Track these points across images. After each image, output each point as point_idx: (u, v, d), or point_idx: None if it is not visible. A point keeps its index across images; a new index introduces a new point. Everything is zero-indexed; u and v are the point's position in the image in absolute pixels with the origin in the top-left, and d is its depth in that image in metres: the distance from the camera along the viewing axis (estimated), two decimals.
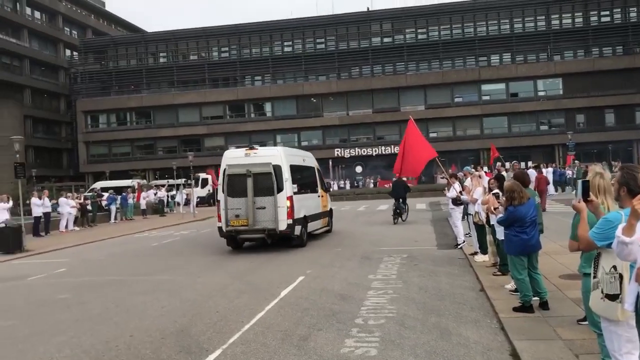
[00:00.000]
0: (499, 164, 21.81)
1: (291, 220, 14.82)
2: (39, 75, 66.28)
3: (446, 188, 14.81)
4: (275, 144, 59.43)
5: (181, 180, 38.97)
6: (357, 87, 58.07)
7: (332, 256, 13.56)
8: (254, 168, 14.79)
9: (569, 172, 36.38)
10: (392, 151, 53.66)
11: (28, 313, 9.08)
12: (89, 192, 37.21)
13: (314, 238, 17.43)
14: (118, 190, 35.48)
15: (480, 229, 11.35)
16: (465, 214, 13.61)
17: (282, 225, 14.77)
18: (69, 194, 27.56)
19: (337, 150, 57.30)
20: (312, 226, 16.87)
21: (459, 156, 52.54)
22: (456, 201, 13.64)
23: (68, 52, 70.33)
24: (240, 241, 15.67)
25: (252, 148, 15.92)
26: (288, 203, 14.77)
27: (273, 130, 59.46)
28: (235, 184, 14.93)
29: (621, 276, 3.75)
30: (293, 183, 15.34)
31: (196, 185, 40.75)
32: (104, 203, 31.47)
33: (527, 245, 7.38)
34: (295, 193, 15.32)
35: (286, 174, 15.02)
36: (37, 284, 12.13)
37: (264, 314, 8.09)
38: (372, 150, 56.79)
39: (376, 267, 11.57)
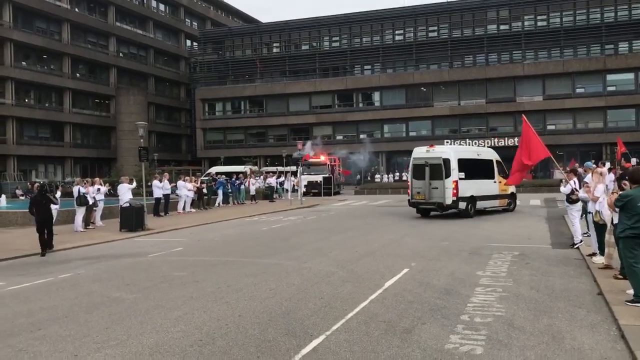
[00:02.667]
0: (623, 159, 20.53)
1: (455, 197, 20.61)
2: (162, 64, 70.59)
3: (562, 182, 14.03)
4: (382, 134, 59.35)
5: (290, 168, 39.92)
6: (470, 76, 56.31)
7: (439, 250, 13.31)
8: (430, 160, 21.00)
9: None
10: (506, 143, 51.63)
11: (149, 288, 9.73)
12: (205, 176, 39.22)
13: (426, 231, 17.20)
14: (230, 175, 37.11)
15: (600, 228, 10.63)
16: (584, 212, 12.80)
17: (448, 201, 20.80)
18: (186, 178, 29.15)
19: (447, 142, 55.92)
20: (483, 204, 22.37)
21: (578, 150, 49.52)
22: (570, 198, 12.87)
23: (188, 42, 74.22)
24: (421, 211, 22.17)
25: (431, 146, 22.51)
26: (453, 185, 20.56)
27: (381, 120, 59.25)
28: (418, 171, 21.51)
29: None
30: (461, 171, 20.86)
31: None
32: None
33: None
34: (462, 179, 20.79)
35: (453, 165, 20.72)
36: (156, 260, 12.97)
37: (367, 303, 8.11)
38: (484, 142, 54.84)
39: (485, 264, 11.21)
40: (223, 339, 6.57)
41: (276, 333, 6.75)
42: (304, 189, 38.92)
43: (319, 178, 41.85)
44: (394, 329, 6.81)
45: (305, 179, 39.98)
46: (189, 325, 7.22)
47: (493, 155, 23.96)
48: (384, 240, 15.44)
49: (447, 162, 20.87)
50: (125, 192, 21.43)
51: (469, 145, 55.04)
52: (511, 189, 23.68)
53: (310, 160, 42.44)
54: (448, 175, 20.72)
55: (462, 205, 21.05)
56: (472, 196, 21.32)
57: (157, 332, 6.94)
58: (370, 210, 27.58)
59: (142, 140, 21.43)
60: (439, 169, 20.78)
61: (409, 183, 22.21)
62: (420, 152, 22.12)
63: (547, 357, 5.78)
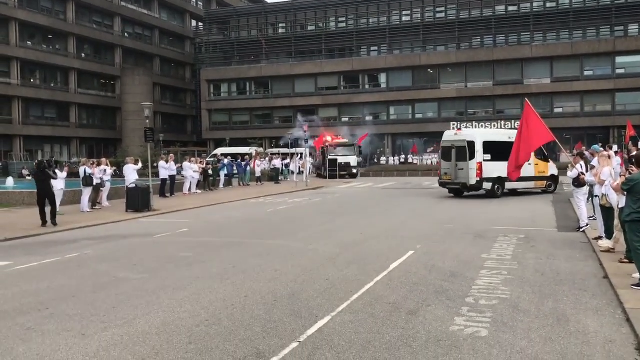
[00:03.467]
0: (630, 143, 20.48)
1: (479, 178, 21.66)
2: (167, 45, 70.30)
3: (569, 167, 13.98)
4: (388, 116, 59.14)
5: (295, 150, 39.86)
6: (478, 58, 55.83)
7: (444, 232, 13.32)
8: (456, 143, 22.18)
9: None
10: (513, 126, 51.12)
11: (155, 268, 9.79)
12: (210, 157, 39.24)
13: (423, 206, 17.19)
14: (235, 157, 37.15)
15: (607, 212, 10.60)
16: (591, 195, 12.75)
17: (472, 181, 21.81)
18: (192, 159, 29.18)
19: (453, 124, 55.57)
20: (514, 185, 22.47)
21: (585, 133, 49.23)
22: (577, 181, 12.83)
23: (194, 22, 73.77)
24: (453, 191, 23.32)
25: (459, 129, 25.44)
26: (477, 166, 21.56)
27: (387, 102, 58.99)
28: (446, 153, 22.70)
29: None
30: (487, 153, 21.59)
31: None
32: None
33: None
34: (487, 160, 21.59)
35: (478, 147, 21.62)
36: (162, 241, 13.03)
37: (372, 285, 8.14)
38: (491, 124, 54.49)
39: (490, 247, 11.21)
40: (229, 319, 6.61)
41: (282, 314, 6.79)
42: (334, 172, 38.89)
43: (349, 159, 40.92)
44: (399, 311, 6.84)
45: (335, 161, 39.46)
46: (195, 305, 7.27)
47: None
48: (389, 222, 15.45)
49: (471, 144, 21.84)
50: (130, 172, 21.48)
51: (475, 128, 55.01)
52: (552, 170, 24.31)
53: (339, 141, 41.73)
54: (472, 157, 21.70)
55: (488, 185, 21.92)
56: (499, 177, 21.58)
57: (164, 312, 6.99)
58: (376, 192, 27.57)
59: (147, 121, 21.45)
60: (464, 151, 21.78)
61: (439, 164, 24.05)
62: (448, 135, 23.52)
63: (552, 339, 5.80)
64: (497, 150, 21.59)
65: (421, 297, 7.47)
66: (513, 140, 22.22)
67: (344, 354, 5.48)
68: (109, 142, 62.64)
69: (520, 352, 5.47)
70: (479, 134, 23.47)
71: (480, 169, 21.70)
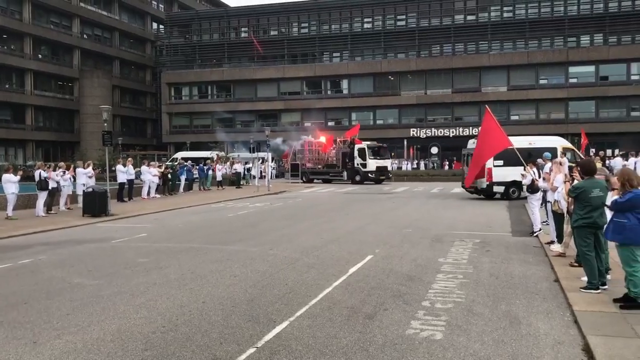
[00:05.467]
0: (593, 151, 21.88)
1: (489, 182, 23.24)
2: (127, 47, 69.22)
3: (522, 174, 14.38)
4: (350, 122, 59.46)
5: (257, 154, 39.69)
6: (437, 65, 56.81)
7: (403, 237, 13.50)
8: (470, 151, 22.23)
9: None
10: (471, 132, 52.23)
11: (112, 274, 9.63)
12: (170, 161, 38.80)
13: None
14: (197, 161, 36.82)
15: (558, 217, 10.94)
16: (544, 201, 13.14)
17: (482, 185, 23.38)
18: (152, 163, 28.76)
19: (413, 130, 56.50)
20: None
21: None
22: (531, 188, 13.20)
23: (155, 25, 72.87)
24: (477, 192, 24.68)
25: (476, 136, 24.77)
26: (486, 172, 22.21)
27: (349, 107, 59.41)
28: (467, 160, 23.38)
29: None
30: (500, 159, 21.60)
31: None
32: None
33: None
34: (498, 166, 22.51)
35: None
36: (119, 246, 12.82)
37: (331, 289, 8.20)
38: (449, 131, 55.55)
39: (447, 251, 11.42)
40: (186, 326, 6.57)
41: (239, 319, 6.78)
42: (372, 175, 37.68)
43: (387, 163, 40.00)
44: (357, 315, 6.91)
45: (374, 164, 38.05)
46: (152, 311, 7.19)
47: (557, 143, 24.14)
48: (349, 227, 15.57)
49: None
50: (80, 176, 21.15)
51: (434, 134, 55.82)
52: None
53: (376, 143, 40.41)
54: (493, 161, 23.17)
55: (499, 189, 23.46)
56: (513, 181, 22.49)
57: (120, 319, 6.89)
58: (337, 197, 27.72)
59: (106, 124, 21.12)
60: None
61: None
62: (470, 143, 24.85)
63: (504, 342, 5.96)
64: (512, 156, 22.05)
65: (379, 301, 7.57)
66: (533, 146, 23.05)
67: (301, 359, 5.51)
68: (66, 145, 61.20)
69: (474, 354, 5.60)
70: None
71: (490, 174, 22.94)
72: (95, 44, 64.42)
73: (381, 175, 38.48)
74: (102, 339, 6.16)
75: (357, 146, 38.79)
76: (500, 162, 22.50)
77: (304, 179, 41.43)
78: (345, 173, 39.52)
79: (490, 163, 22.28)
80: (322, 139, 42.59)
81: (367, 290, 8.14)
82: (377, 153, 38.99)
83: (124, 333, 6.33)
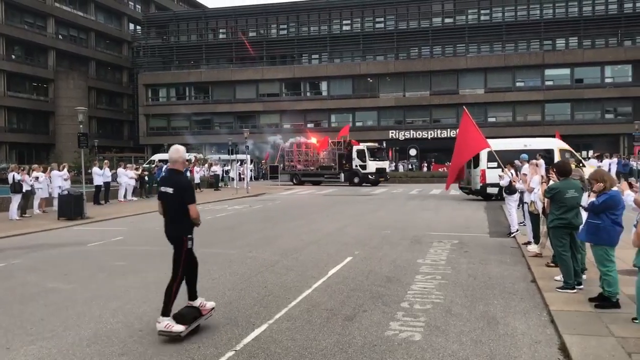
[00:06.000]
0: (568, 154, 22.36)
1: (482, 183, 23.96)
2: (103, 48, 68.40)
3: (500, 175, 14.53)
4: (329, 124, 59.55)
5: (236, 156, 39.45)
6: (415, 68, 57.18)
7: (382, 238, 13.53)
8: None
9: (633, 163, 34.85)
10: (449, 135, 52.81)
11: (88, 278, 9.49)
12: (147, 164, 38.41)
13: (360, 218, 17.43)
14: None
15: (535, 218, 11.07)
16: (521, 202, 13.28)
17: (477, 186, 24.20)
18: (128, 165, 28.44)
19: (392, 132, 56.80)
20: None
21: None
22: (508, 189, 13.33)
23: (132, 26, 72.14)
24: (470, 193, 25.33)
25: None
26: (480, 173, 23.88)
27: (328, 109, 59.46)
28: (469, 162, 23.14)
29: None
30: (494, 161, 21.06)
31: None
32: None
33: (619, 235, 7.03)
34: (492, 167, 22.30)
35: (482, 156, 23.08)
36: (96, 250, 12.64)
37: (310, 291, 8.18)
38: (427, 133, 55.97)
39: (425, 252, 11.48)
40: None
41: (218, 322, 6.73)
42: (373, 177, 37.34)
43: (385, 164, 39.78)
44: (336, 317, 6.90)
45: (374, 165, 37.65)
46: (129, 315, 7.10)
47: (553, 145, 24.98)
48: (328, 229, 15.56)
49: (478, 154, 23.35)
50: (55, 179, 20.83)
51: (413, 136, 56.16)
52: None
53: (375, 145, 40.10)
54: (477, 165, 23.82)
55: (493, 190, 23.60)
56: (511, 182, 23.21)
57: (96, 323, 6.79)
58: (316, 199, 27.71)
59: (81, 126, 20.82)
60: (474, 160, 23.47)
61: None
62: None
63: (482, 342, 6.00)
64: (505, 158, 22.36)
65: (358, 302, 7.57)
66: (529, 147, 23.51)
67: None
68: (41, 148, 60.24)
69: (452, 355, 5.63)
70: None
71: (483, 175, 23.81)
72: (71, 45, 63.55)
73: (380, 177, 38.21)
74: (77, 344, 6.06)
75: (355, 147, 38.34)
76: (494, 164, 22.59)
77: (294, 181, 40.96)
78: (342, 175, 38.95)
79: (484, 165, 23.41)
80: (314, 140, 41.94)
81: (346, 292, 8.14)
82: (376, 154, 38.70)
83: (100, 338, 6.24)
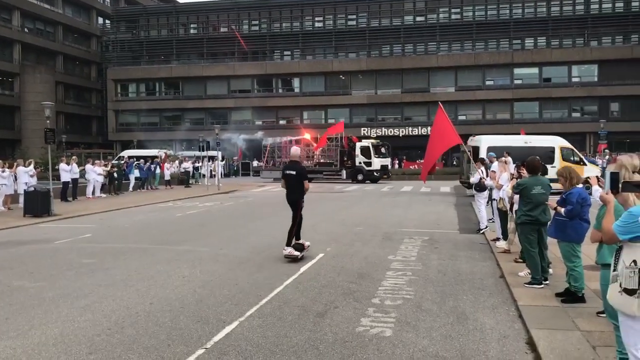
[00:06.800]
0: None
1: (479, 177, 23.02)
2: (71, 42, 67.02)
3: (470, 173, 14.72)
4: (301, 121, 59.40)
5: (207, 152, 39.08)
6: (387, 66, 57.43)
7: (354, 235, 13.59)
8: (467, 147, 22.98)
9: (598, 161, 35.66)
10: (420, 132, 53.25)
11: (54, 276, 9.31)
12: (116, 160, 37.82)
13: (329, 214, 17.45)
14: (146, 159, 36.00)
15: (503, 215, 11.23)
16: (490, 199, 13.46)
17: (474, 181, 25.49)
18: (96, 161, 27.97)
19: (364, 130, 56.89)
20: None
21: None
22: (478, 186, 13.52)
23: (101, 20, 70.86)
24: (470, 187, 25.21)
25: (474, 136, 26.36)
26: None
27: (300, 106, 59.36)
28: (465, 157, 24.92)
29: None
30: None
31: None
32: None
33: (587, 231, 7.07)
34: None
35: (482, 151, 22.70)
36: (63, 247, 12.40)
37: (282, 288, 8.17)
38: (399, 130, 56.29)
39: (396, 248, 11.56)
40: (132, 327, 6.41)
41: (188, 320, 6.67)
42: (377, 174, 36.89)
43: (388, 161, 39.43)
44: (307, 314, 6.90)
45: (378, 162, 37.18)
46: (97, 314, 6.99)
47: (554, 143, 25.73)
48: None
49: (476, 149, 23.97)
50: (21, 175, 20.40)
51: (385, 134, 56.46)
52: (586, 172, 22.81)
53: (380, 142, 39.48)
54: (476, 160, 23.37)
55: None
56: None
57: (63, 322, 6.66)
58: None
59: (48, 121, 20.41)
60: (473, 155, 24.13)
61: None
62: (469, 140, 25.94)
63: (452, 337, 6.07)
64: (500, 153, 22.64)
65: (329, 299, 7.59)
66: (529, 145, 24.34)
67: (250, 359, 5.46)
68: (6, 143, 58.75)
69: (422, 350, 5.68)
70: (485, 139, 25.30)
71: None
72: (38, 38, 62.11)
73: (384, 174, 37.87)
74: (43, 343, 5.94)
75: (359, 144, 37.83)
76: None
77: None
78: (344, 172, 38.29)
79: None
80: (307, 135, 41.09)
81: (318, 289, 8.15)
82: (380, 151, 38.29)
83: (67, 337, 6.12)
